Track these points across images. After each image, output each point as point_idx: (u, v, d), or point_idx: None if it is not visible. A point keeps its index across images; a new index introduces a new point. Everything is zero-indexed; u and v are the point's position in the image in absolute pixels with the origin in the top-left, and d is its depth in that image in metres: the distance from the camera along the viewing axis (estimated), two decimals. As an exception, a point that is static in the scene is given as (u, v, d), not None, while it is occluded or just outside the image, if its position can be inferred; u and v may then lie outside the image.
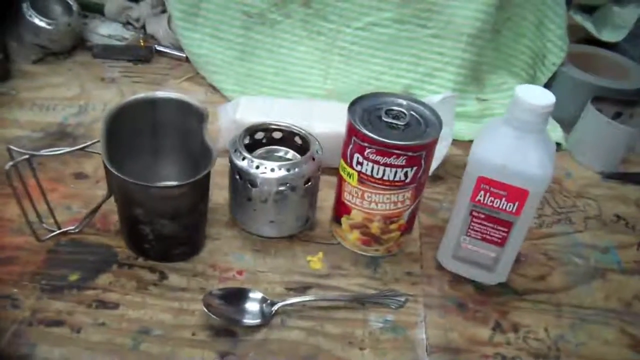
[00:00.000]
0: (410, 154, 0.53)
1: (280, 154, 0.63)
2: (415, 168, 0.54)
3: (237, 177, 0.57)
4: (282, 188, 0.56)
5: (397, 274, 0.60)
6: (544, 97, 0.50)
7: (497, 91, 0.88)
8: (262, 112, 0.70)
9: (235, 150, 0.57)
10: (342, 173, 0.58)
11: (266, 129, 0.62)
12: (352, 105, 0.56)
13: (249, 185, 0.56)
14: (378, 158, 0.53)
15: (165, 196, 0.52)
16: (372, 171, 0.54)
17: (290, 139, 0.63)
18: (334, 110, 0.71)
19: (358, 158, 0.54)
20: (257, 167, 0.56)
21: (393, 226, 0.58)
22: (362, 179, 0.55)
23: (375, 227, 0.58)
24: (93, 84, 0.85)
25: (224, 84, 0.86)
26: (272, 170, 0.55)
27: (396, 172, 0.54)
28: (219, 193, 0.66)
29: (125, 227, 0.58)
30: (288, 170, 0.56)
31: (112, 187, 0.55)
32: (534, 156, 0.50)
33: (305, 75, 0.87)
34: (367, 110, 0.56)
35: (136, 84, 0.86)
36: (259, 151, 0.62)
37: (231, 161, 0.57)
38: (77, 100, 0.81)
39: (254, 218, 0.59)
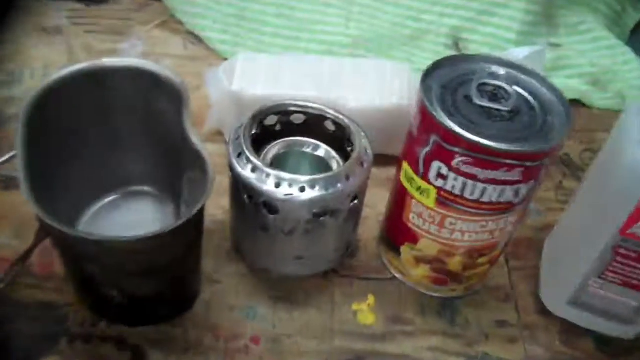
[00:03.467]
0: (529, 164, 0.32)
1: (306, 149, 0.42)
2: (531, 183, 0.34)
3: (245, 197, 0.36)
4: (317, 215, 0.36)
5: (485, 326, 0.41)
6: None
7: (573, 33, 0.66)
8: (269, 80, 0.48)
9: (240, 155, 0.36)
10: (405, 183, 0.37)
11: (283, 111, 0.41)
12: (426, 78, 0.35)
13: (266, 212, 0.36)
14: (477, 171, 0.33)
15: (134, 250, 0.32)
16: (463, 189, 0.34)
17: (318, 124, 0.41)
18: (369, 71, 0.49)
19: (440, 169, 0.34)
20: (278, 185, 0.35)
21: (482, 260, 0.39)
22: (445, 199, 0.35)
23: (455, 263, 0.39)
24: (30, 37, 0.62)
25: (210, 32, 0.63)
26: (302, 189, 0.35)
27: (503, 190, 0.33)
28: (216, 201, 0.46)
29: (77, 284, 0.37)
30: (326, 188, 0.35)
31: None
32: None
33: (319, 17, 0.64)
34: (448, 86, 0.35)
35: (90, 34, 0.62)
36: (274, 149, 0.41)
37: (233, 170, 0.37)
38: (7, 62, 0.58)
39: (272, 253, 0.39)
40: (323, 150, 0.41)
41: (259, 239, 0.38)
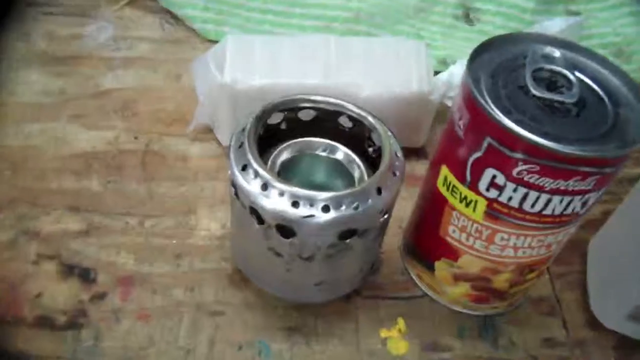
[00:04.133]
0: (607, 170, 0.27)
1: (321, 152, 0.35)
2: (601, 190, 0.28)
3: (254, 217, 0.30)
4: (342, 237, 0.30)
5: (531, 346, 0.35)
6: None
7: (592, 0, 0.60)
8: (266, 67, 0.41)
9: (246, 168, 0.30)
10: (444, 191, 0.31)
11: (291, 108, 0.34)
12: (471, 65, 0.28)
13: (279, 235, 0.30)
14: (543, 181, 0.27)
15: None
16: (522, 201, 0.28)
17: (331, 120, 0.35)
18: (381, 51, 0.43)
19: (495, 177, 0.28)
20: (296, 204, 0.28)
21: (531, 275, 0.33)
22: (497, 212, 0.29)
23: (501, 281, 0.33)
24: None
25: (189, 9, 0.55)
26: (325, 209, 0.28)
27: (571, 201, 0.28)
28: (211, 213, 0.39)
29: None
30: (355, 206, 0.29)
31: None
32: None
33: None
34: (497, 74, 0.29)
35: (49, 17, 0.54)
36: (282, 154, 0.34)
37: (236, 187, 0.30)
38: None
39: (286, 281, 0.33)
40: (341, 152, 0.35)
41: (270, 265, 0.32)
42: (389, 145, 0.31)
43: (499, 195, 0.28)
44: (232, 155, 0.31)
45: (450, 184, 0.30)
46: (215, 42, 0.51)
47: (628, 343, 0.36)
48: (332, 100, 0.34)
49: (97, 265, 0.37)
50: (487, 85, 0.28)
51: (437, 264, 0.34)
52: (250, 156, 0.30)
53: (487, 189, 0.28)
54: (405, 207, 0.37)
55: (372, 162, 0.34)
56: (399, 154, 0.32)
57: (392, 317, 0.36)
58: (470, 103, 0.28)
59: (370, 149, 0.34)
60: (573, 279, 0.38)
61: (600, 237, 0.38)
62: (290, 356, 0.33)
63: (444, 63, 0.52)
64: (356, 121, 0.34)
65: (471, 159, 0.28)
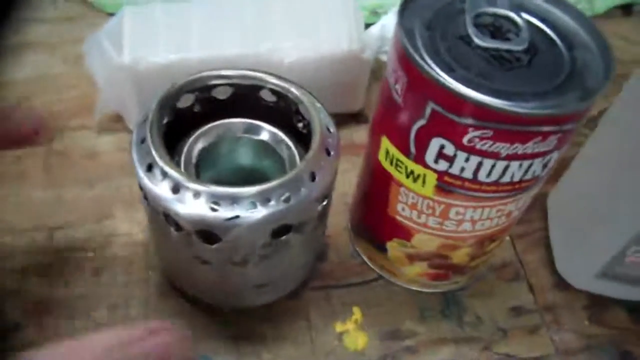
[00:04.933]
0: (569, 126, 0.23)
1: (243, 134, 0.30)
2: (563, 148, 0.25)
3: (170, 224, 0.25)
4: (276, 233, 0.25)
5: (499, 318, 0.33)
6: None
7: None
8: (171, 40, 0.35)
9: (151, 168, 0.25)
10: (387, 166, 0.27)
11: (202, 87, 0.29)
12: (402, 16, 0.24)
13: (202, 242, 0.25)
14: (499, 147, 0.23)
15: None
16: (476, 171, 0.24)
17: (251, 96, 0.30)
18: (303, 8, 0.38)
19: (444, 148, 0.24)
20: (215, 208, 0.24)
21: (492, 245, 0.30)
22: (449, 185, 0.25)
23: (461, 256, 0.30)
24: None
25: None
26: (252, 206, 0.24)
27: (530, 165, 0.24)
28: (130, 214, 0.35)
29: None
30: (286, 198, 0.24)
31: None
32: None
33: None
34: (433, 25, 0.24)
35: None
36: (198, 143, 0.29)
37: (144, 189, 0.25)
38: None
39: (221, 287, 0.29)
40: (266, 132, 0.30)
41: (199, 272, 0.28)
42: (319, 120, 0.27)
43: (450, 167, 0.24)
44: (134, 153, 0.26)
45: (393, 157, 0.26)
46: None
47: (599, 301, 0.34)
48: (248, 73, 0.29)
49: (1, 294, 0.31)
50: (424, 39, 0.24)
51: (389, 244, 0.31)
52: (154, 153, 0.25)
53: (436, 161, 0.25)
54: (349, 180, 0.34)
55: (303, 139, 0.30)
56: (332, 128, 0.27)
57: (347, 307, 0.32)
58: (406, 62, 0.23)
59: (300, 124, 0.30)
60: (535, 238, 0.36)
61: (560, 189, 0.36)
62: (237, 370, 0.30)
63: (375, 14, 0.48)
64: (279, 94, 0.29)
65: (414, 129, 0.24)
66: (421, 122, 0.24)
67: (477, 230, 0.28)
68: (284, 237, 0.26)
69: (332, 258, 0.34)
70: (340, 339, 0.31)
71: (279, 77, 0.29)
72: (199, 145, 0.29)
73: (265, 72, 0.29)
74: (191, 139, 0.29)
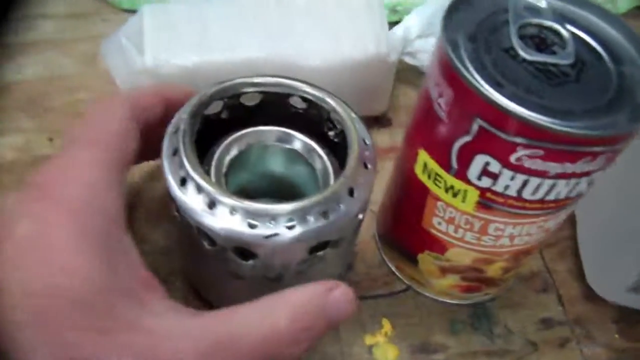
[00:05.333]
0: (618, 146, 0.22)
1: (274, 142, 0.29)
2: (610, 165, 0.24)
3: (204, 238, 0.24)
4: (313, 250, 0.25)
5: (529, 331, 0.32)
6: None
7: None
8: (194, 41, 0.34)
9: (185, 182, 0.24)
10: (425, 180, 0.27)
11: (232, 95, 0.28)
12: (447, 27, 0.23)
13: (237, 258, 0.24)
14: (548, 166, 0.22)
15: None
16: (521, 189, 0.23)
17: (280, 103, 0.29)
18: (327, 8, 0.37)
19: (488, 165, 0.23)
20: (253, 223, 0.23)
21: (527, 259, 0.30)
22: (491, 201, 0.25)
23: (495, 269, 0.29)
24: None
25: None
26: (290, 224, 0.23)
27: (577, 184, 0.23)
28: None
29: None
30: (325, 215, 0.24)
31: None
32: None
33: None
34: (476, 37, 0.24)
35: None
36: (228, 152, 0.28)
37: (177, 202, 0.24)
38: None
39: (249, 299, 0.28)
40: (298, 141, 0.29)
41: (231, 286, 0.27)
42: (355, 132, 0.26)
43: (493, 184, 0.24)
44: (166, 166, 0.25)
45: (431, 171, 0.26)
46: (130, 11, 0.44)
47: (629, 314, 0.33)
48: (282, 80, 0.28)
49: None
50: (468, 52, 0.23)
51: (420, 256, 0.30)
52: (188, 166, 0.24)
53: (479, 178, 0.24)
54: (375, 186, 0.33)
55: (334, 147, 0.29)
56: (368, 140, 0.26)
57: (375, 319, 0.31)
58: (452, 77, 0.22)
59: (331, 133, 0.29)
60: (563, 247, 0.35)
61: (589, 199, 0.35)
62: (265, 384, 0.29)
63: (395, 12, 0.47)
64: (310, 102, 0.28)
65: (457, 144, 0.24)
66: (466, 138, 0.23)
67: (515, 245, 0.27)
68: (320, 253, 0.25)
69: (359, 268, 0.33)
70: (370, 352, 0.30)
71: (313, 86, 0.28)
72: (227, 156, 0.28)
73: (298, 80, 0.28)
74: (221, 148, 0.28)
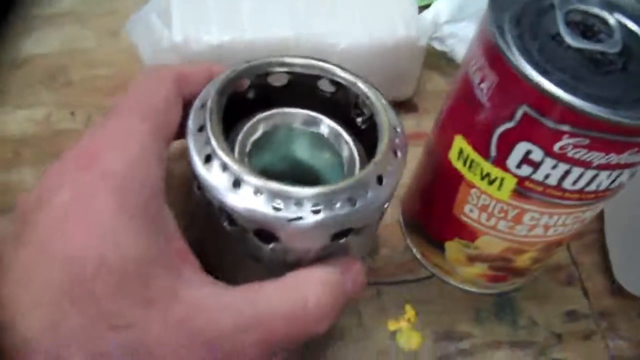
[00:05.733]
0: (668, 136, 0.22)
1: (300, 125, 0.29)
2: (653, 157, 0.23)
3: (224, 218, 0.24)
4: (336, 236, 0.24)
5: (554, 323, 0.32)
6: None
7: None
8: (222, 19, 0.34)
9: (210, 159, 0.23)
10: (459, 166, 0.26)
11: (261, 74, 0.27)
12: (493, 11, 0.23)
13: (258, 240, 0.24)
14: (593, 156, 0.22)
15: None
16: (563, 179, 0.23)
17: (308, 85, 0.28)
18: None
19: (530, 153, 0.23)
20: (277, 208, 0.22)
21: (558, 250, 0.29)
22: (529, 190, 0.24)
23: (524, 260, 0.29)
24: None
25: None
26: (315, 208, 0.23)
27: (620, 175, 0.23)
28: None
29: None
30: (351, 202, 0.23)
31: None
32: None
33: None
34: (522, 21, 0.23)
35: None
36: (253, 131, 0.27)
37: (199, 180, 0.24)
38: None
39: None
40: (325, 125, 0.28)
41: (247, 268, 0.27)
42: (387, 118, 0.25)
43: (533, 172, 0.23)
44: (191, 142, 0.24)
45: (468, 157, 0.25)
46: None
47: (653, 307, 0.33)
48: (313, 62, 0.27)
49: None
50: (514, 37, 0.22)
51: (448, 244, 0.30)
52: (214, 143, 0.23)
53: (518, 166, 0.23)
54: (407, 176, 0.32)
55: (360, 133, 0.28)
56: (398, 127, 0.26)
57: (399, 305, 0.31)
58: (498, 62, 0.22)
59: (359, 119, 0.29)
60: (590, 240, 0.35)
61: (618, 191, 0.34)
62: (288, 367, 0.29)
63: (423, -6, 0.46)
64: (340, 85, 0.28)
65: (498, 131, 0.23)
66: (508, 125, 0.22)
67: (549, 235, 0.26)
68: (342, 240, 0.24)
69: (383, 253, 0.33)
70: (392, 338, 0.30)
71: (344, 69, 0.27)
72: (252, 135, 0.28)
73: (330, 63, 0.27)
74: (247, 127, 0.28)
